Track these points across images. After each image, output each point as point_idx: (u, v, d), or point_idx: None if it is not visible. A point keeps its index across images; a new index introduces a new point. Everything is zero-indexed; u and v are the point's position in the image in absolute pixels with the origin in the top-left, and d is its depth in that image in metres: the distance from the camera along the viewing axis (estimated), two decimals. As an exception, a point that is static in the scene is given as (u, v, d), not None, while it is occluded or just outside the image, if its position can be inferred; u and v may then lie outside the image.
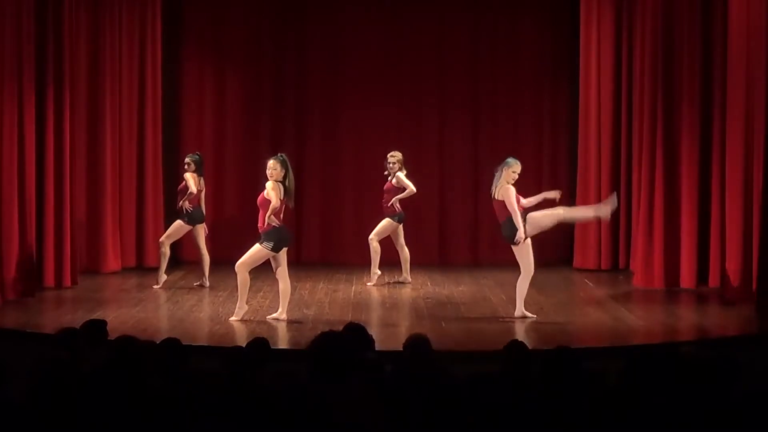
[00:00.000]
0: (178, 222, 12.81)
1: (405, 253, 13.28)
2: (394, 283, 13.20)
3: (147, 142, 14.63)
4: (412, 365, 5.92)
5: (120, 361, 5.54)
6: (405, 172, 13.06)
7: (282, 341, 9.96)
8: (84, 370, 5.62)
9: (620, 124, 14.26)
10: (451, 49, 15.32)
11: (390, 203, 13.00)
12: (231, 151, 15.38)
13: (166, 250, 12.81)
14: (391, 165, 13.05)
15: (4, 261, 11.68)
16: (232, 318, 10.71)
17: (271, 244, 10.55)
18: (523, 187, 15.25)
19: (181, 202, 12.73)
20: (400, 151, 13.18)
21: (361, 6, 15.31)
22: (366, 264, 14.39)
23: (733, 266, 11.66)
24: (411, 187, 12.96)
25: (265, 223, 10.55)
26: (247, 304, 10.84)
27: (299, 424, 4.92)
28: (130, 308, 11.43)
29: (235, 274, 10.73)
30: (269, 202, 10.52)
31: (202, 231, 12.83)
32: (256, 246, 10.66)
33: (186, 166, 12.83)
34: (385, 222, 13.14)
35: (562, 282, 13.53)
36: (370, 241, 13.21)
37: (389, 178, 13.09)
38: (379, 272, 13.16)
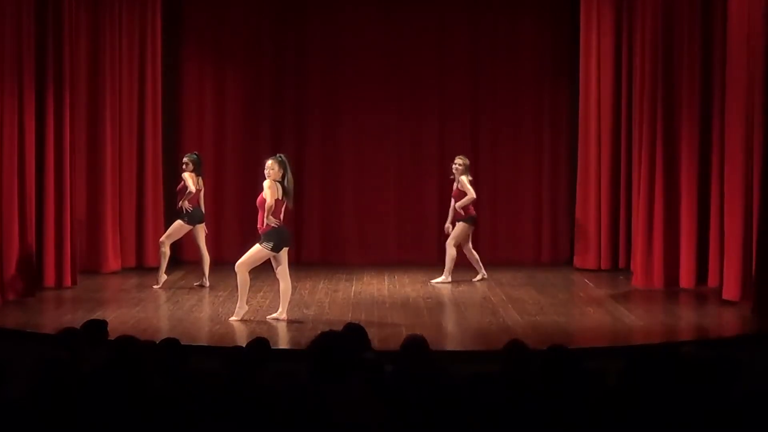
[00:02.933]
0: (178, 222, 12.82)
1: (474, 254, 13.37)
2: (478, 281, 13.23)
3: (147, 142, 14.63)
4: (411, 366, 5.92)
5: (120, 361, 5.54)
6: (470, 178, 13.09)
7: (282, 341, 9.95)
8: (84, 370, 5.63)
9: (620, 124, 14.26)
10: (451, 49, 15.32)
11: (459, 207, 13.07)
12: (231, 151, 15.38)
13: (166, 250, 12.81)
14: (456, 167, 13.10)
15: (4, 261, 11.68)
16: (232, 318, 10.71)
17: (270, 245, 10.54)
18: (522, 187, 15.38)
19: (181, 202, 12.73)
20: (465, 156, 13.29)
21: (360, 6, 15.31)
22: (366, 264, 14.46)
23: (732, 266, 11.65)
24: (471, 193, 13.04)
25: (265, 224, 10.55)
26: (247, 304, 10.84)
27: (299, 424, 4.92)
28: (130, 308, 11.43)
29: (236, 274, 10.73)
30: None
31: (202, 231, 12.83)
32: (256, 246, 10.66)
33: (184, 166, 12.83)
34: (460, 226, 13.14)
35: (562, 282, 13.53)
36: (447, 247, 13.25)
37: (455, 183, 13.16)
38: (450, 279, 13.25)
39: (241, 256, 10.80)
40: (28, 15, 12.00)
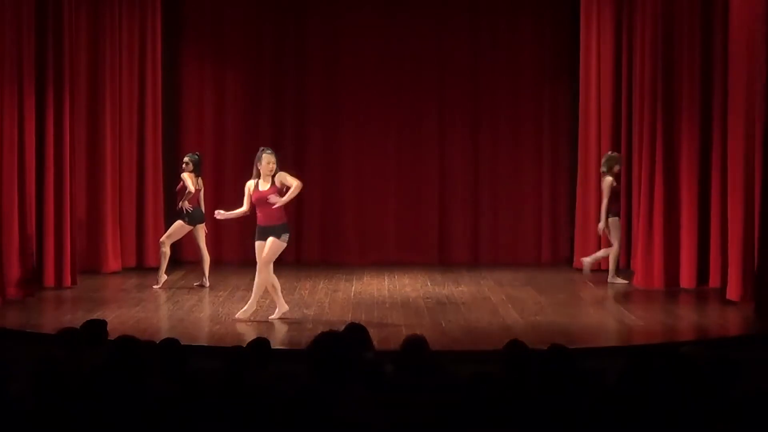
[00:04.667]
0: (179, 222, 12.81)
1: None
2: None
3: (147, 142, 14.63)
4: (411, 366, 5.92)
5: (120, 361, 5.54)
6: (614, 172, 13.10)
7: (282, 341, 9.95)
8: (84, 370, 5.62)
9: (620, 124, 14.26)
10: (451, 49, 15.32)
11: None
12: (231, 151, 15.37)
13: (167, 250, 12.80)
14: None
15: (4, 261, 11.68)
16: (238, 315, 10.68)
17: (287, 235, 10.52)
18: (523, 187, 15.38)
19: (181, 202, 12.73)
20: (611, 153, 13.26)
21: (361, 6, 15.30)
22: (366, 264, 14.46)
23: (733, 266, 11.65)
24: (604, 199, 13.03)
25: (271, 216, 10.49)
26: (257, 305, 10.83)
27: (299, 424, 4.92)
28: (130, 308, 11.43)
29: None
30: (269, 196, 10.57)
31: (202, 231, 12.83)
32: (274, 241, 10.60)
33: (184, 166, 12.83)
34: (611, 221, 13.20)
35: (562, 282, 13.53)
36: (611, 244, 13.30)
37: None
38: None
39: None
40: (28, 15, 12.01)
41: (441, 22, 15.33)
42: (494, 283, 13.29)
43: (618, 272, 13.20)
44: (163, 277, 12.84)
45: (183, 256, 14.39)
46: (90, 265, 13.89)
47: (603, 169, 13.17)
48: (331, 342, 5.67)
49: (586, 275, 13.32)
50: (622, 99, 14.21)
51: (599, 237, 14.39)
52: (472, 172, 15.37)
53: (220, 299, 12.00)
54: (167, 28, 14.90)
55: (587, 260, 13.40)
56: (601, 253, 13.44)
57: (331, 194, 15.40)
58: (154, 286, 12.74)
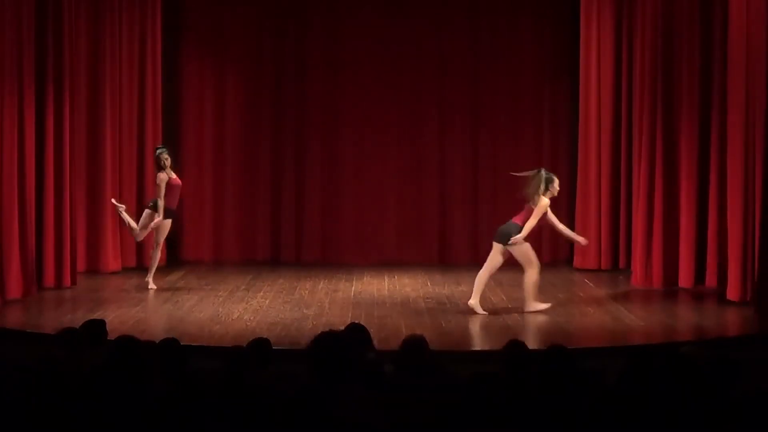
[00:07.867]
0: (151, 214, 12.60)
1: None
2: None
3: (147, 142, 14.61)
4: (411, 366, 5.92)
5: (120, 361, 5.54)
6: None
7: (282, 341, 9.94)
8: (84, 370, 5.63)
9: (620, 124, 14.26)
10: (451, 51, 15.32)
11: None
12: (231, 151, 15.37)
13: (158, 252, 12.72)
14: None
15: (4, 261, 11.68)
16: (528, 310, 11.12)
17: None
18: (523, 187, 15.33)
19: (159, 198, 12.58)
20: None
21: (361, 6, 15.30)
22: (366, 264, 14.45)
23: (732, 266, 11.65)
24: None
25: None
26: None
27: (299, 424, 4.92)
28: (130, 308, 11.43)
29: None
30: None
31: (167, 228, 12.64)
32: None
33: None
34: None
35: (562, 282, 13.52)
36: None
37: None
38: None
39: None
40: (28, 15, 12.00)
41: (441, 22, 15.32)
42: (494, 283, 13.27)
43: None
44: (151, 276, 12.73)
45: (183, 256, 14.39)
46: (90, 265, 13.88)
47: None
48: (331, 342, 5.67)
49: None
50: (622, 99, 14.21)
51: (599, 236, 14.38)
52: (472, 172, 15.37)
53: (220, 299, 12.00)
54: (167, 28, 14.90)
55: None
56: None
57: (331, 194, 15.40)
58: (150, 287, 12.67)
